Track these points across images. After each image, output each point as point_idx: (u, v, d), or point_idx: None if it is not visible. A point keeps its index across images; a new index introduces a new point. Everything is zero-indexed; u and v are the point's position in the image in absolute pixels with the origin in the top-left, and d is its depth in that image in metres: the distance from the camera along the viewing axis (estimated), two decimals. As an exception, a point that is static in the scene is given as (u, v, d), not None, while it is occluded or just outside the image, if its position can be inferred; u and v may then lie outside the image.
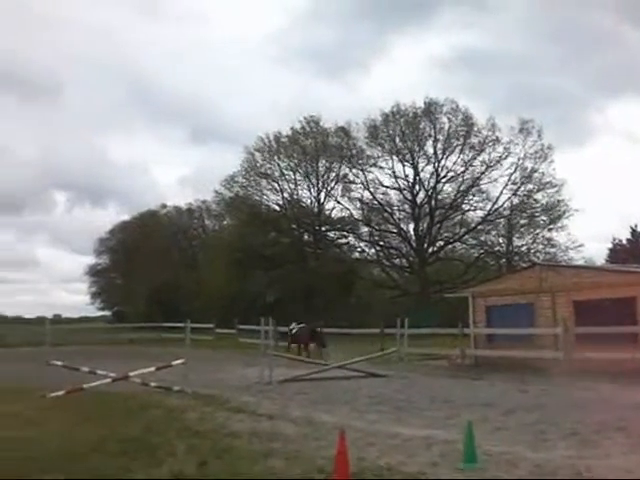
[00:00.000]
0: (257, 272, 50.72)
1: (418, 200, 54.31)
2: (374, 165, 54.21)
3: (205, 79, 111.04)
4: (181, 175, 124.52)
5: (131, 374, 15.60)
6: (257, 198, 56.34)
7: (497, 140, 52.09)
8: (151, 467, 7.93)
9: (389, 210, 55.19)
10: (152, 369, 15.94)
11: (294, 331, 28.90)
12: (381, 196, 55.12)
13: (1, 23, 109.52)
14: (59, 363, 15.04)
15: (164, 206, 71.80)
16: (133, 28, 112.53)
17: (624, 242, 57.97)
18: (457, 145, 52.86)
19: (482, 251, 55.01)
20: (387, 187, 54.87)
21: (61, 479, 7.27)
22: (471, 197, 54.17)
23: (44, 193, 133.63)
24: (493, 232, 54.69)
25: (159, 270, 61.16)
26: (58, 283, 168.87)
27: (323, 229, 56.67)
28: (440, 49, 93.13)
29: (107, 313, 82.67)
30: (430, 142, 53.24)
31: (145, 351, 30.68)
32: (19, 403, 13.14)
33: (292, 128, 54.68)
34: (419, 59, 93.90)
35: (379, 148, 53.85)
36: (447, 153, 53.17)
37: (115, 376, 15.55)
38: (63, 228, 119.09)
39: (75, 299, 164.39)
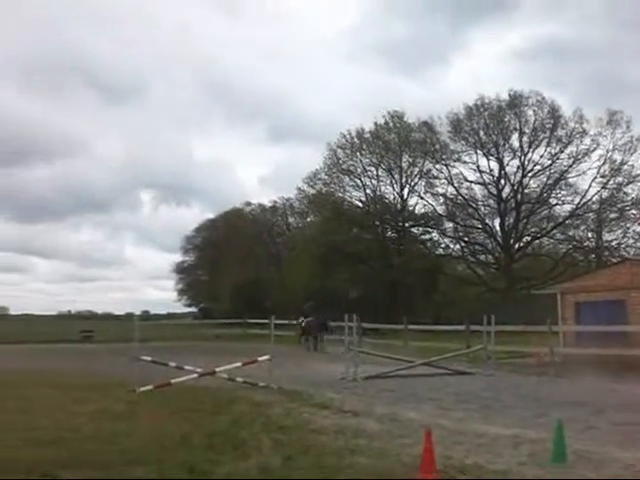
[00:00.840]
0: (340, 269, 50.85)
1: (503, 195, 53.35)
2: (458, 160, 53.62)
3: (283, 77, 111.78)
4: (262, 173, 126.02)
5: (218, 369, 15.82)
6: (340, 195, 56.41)
7: (584, 132, 50.67)
8: (238, 460, 8.02)
9: (474, 205, 54.45)
10: (238, 364, 16.14)
11: (303, 324, 31.69)
12: (465, 191, 54.52)
13: (84, 25, 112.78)
14: (148, 359, 15.35)
15: (248, 204, 72.69)
16: (213, 27, 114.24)
17: None
18: (543, 138, 51.70)
19: (570, 246, 53.62)
20: (471, 182, 54.24)
21: (153, 472, 7.42)
22: (558, 191, 52.85)
23: (131, 192, 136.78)
24: (582, 227, 53.20)
25: (244, 267, 61.96)
26: (146, 280, 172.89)
27: (406, 225, 56.32)
28: (520, 40, 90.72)
29: (194, 309, 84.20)
30: (515, 135, 52.27)
31: (230, 347, 31.12)
32: (109, 398, 13.49)
33: (375, 123, 54.55)
34: (499, 51, 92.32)
35: (463, 142, 53.21)
36: (533, 146, 52.08)
37: (202, 371, 15.80)
38: (149, 226, 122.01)
39: (162, 296, 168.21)
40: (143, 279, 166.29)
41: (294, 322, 33.91)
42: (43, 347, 33.64)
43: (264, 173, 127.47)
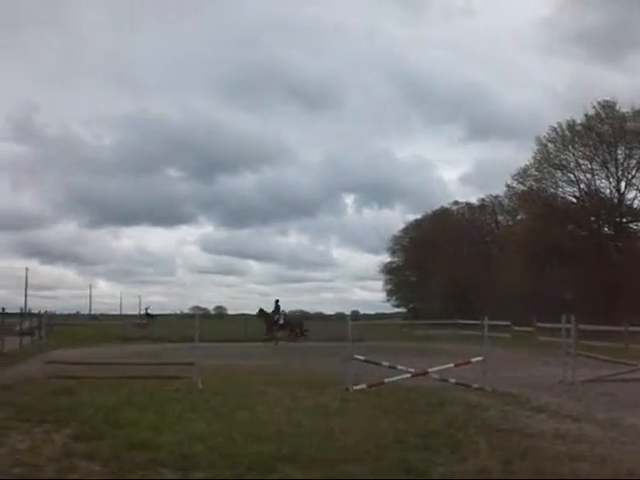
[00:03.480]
0: (553, 267, 49.12)
1: None
2: (679, 150, 50.01)
3: (478, 73, 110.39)
4: (463, 171, 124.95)
5: (430, 370, 15.79)
6: (552, 190, 54.41)
7: None
8: (454, 462, 7.95)
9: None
10: (451, 365, 16.01)
11: (280, 322, 37.37)
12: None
13: (280, 39, 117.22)
14: (361, 358, 15.60)
15: (456, 203, 72.12)
16: (402, 27, 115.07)
17: None
18: None
19: None
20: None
21: (370, 470, 7.52)
22: None
23: (334, 196, 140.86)
24: None
25: (452, 267, 61.49)
26: (353, 281, 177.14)
27: (624, 221, 53.33)
28: None
29: (402, 310, 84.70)
30: None
31: (441, 347, 30.94)
32: (325, 395, 13.84)
33: (586, 115, 52.12)
34: None
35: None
36: None
37: (414, 371, 15.82)
38: (353, 229, 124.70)
39: (370, 296, 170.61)
40: (350, 280, 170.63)
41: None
42: (258, 345, 35.17)
43: (465, 171, 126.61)
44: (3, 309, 29.20)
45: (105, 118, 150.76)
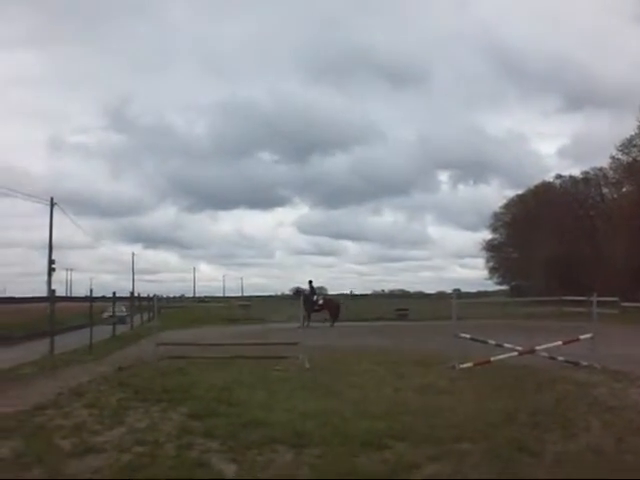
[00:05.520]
0: (663, 241, 47.45)
1: None
2: None
3: (571, 43, 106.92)
4: (560, 144, 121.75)
5: (537, 348, 15.60)
6: (659, 161, 52.47)
7: None
8: (566, 440, 7.90)
9: None
10: (559, 343, 15.77)
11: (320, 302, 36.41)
12: None
13: (365, 17, 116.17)
14: (467, 336, 15.55)
15: (559, 176, 70.41)
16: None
17: None
18: None
19: None
20: None
21: (481, 448, 7.54)
22: None
23: (427, 174, 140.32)
24: None
25: (556, 242, 60.16)
26: (452, 259, 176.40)
27: None
28: None
29: (505, 287, 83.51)
30: None
31: (545, 325, 30.47)
32: (432, 374, 13.88)
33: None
34: None
35: None
36: None
37: (521, 349, 15.66)
38: (449, 206, 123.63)
39: (470, 274, 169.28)
40: (449, 258, 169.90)
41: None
42: (363, 325, 35.36)
43: (562, 144, 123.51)
44: (114, 293, 30.32)
45: (197, 105, 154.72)
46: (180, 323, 35.58)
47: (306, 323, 34.25)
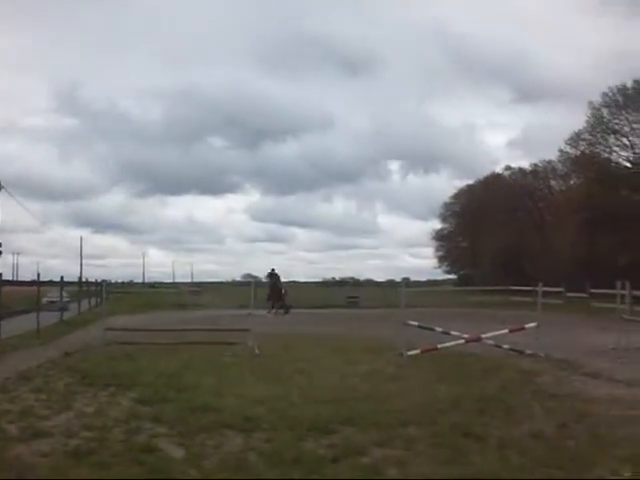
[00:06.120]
0: (607, 233, 48.37)
1: None
2: None
3: (522, 36, 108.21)
4: (510, 136, 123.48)
5: (483, 336, 15.86)
6: (605, 155, 53.44)
7: None
8: (509, 426, 8.08)
9: None
10: (504, 331, 16.05)
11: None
12: None
13: (316, 2, 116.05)
14: (415, 323, 15.73)
15: (508, 168, 71.28)
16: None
17: None
18: None
19: None
20: None
21: (427, 433, 7.68)
22: None
23: (378, 162, 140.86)
24: None
25: (505, 233, 61.02)
26: (401, 248, 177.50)
27: (682, 184, 52.21)
28: None
29: (453, 276, 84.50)
30: None
31: (492, 314, 30.85)
32: (380, 361, 14.05)
33: (636, 81, 50.87)
34: None
35: None
36: None
37: (468, 337, 15.91)
38: (399, 195, 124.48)
39: (419, 263, 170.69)
40: (399, 246, 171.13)
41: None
42: (313, 312, 35.48)
43: (512, 136, 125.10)
44: (62, 278, 29.95)
45: (150, 91, 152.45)
46: (129, 308, 35.24)
47: (274, 310, 34.44)
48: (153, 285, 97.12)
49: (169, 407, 9.11)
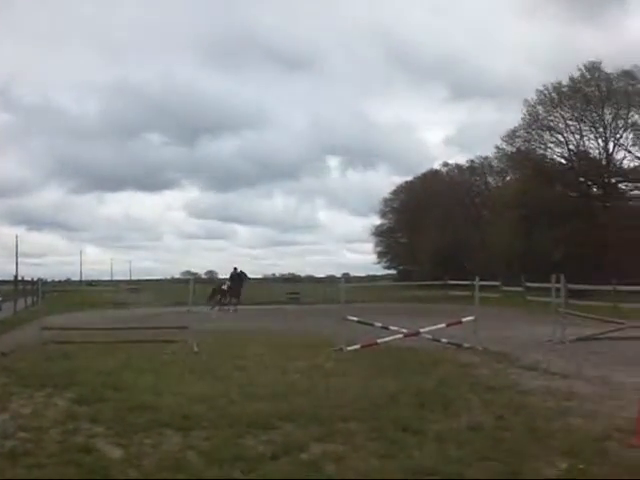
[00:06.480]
0: (543, 228, 49.31)
1: None
2: (666, 110, 49.89)
3: (459, 35, 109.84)
4: (446, 133, 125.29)
5: (422, 330, 16.02)
6: (541, 152, 54.39)
7: None
8: (448, 419, 8.18)
9: (686, 158, 50.65)
10: (442, 325, 16.25)
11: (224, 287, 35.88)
12: (677, 143, 50.70)
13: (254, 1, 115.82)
14: (354, 319, 15.81)
15: (446, 164, 72.13)
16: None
17: None
18: None
19: None
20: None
21: (367, 428, 7.72)
22: None
23: (318, 159, 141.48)
24: None
25: (443, 228, 61.71)
26: (342, 243, 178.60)
27: (613, 181, 53.43)
28: None
29: (393, 272, 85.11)
30: None
31: (432, 308, 31.21)
32: (320, 356, 14.06)
33: (571, 78, 51.96)
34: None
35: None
36: None
37: (407, 332, 16.05)
38: (339, 191, 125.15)
39: (360, 258, 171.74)
40: (339, 242, 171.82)
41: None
42: (253, 308, 35.39)
43: (448, 133, 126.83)
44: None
45: (87, 86, 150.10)
46: (66, 307, 34.61)
47: (234, 308, 34.24)
48: (91, 283, 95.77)
49: (107, 407, 8.98)
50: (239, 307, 34.65)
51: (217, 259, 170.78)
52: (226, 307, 34.77)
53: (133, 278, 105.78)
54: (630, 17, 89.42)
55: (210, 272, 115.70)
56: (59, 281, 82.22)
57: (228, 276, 37.18)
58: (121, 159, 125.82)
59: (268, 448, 6.90)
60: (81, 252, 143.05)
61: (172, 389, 10.16)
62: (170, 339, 16.11)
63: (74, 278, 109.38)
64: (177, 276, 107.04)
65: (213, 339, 17.19)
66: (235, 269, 36.94)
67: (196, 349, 15.02)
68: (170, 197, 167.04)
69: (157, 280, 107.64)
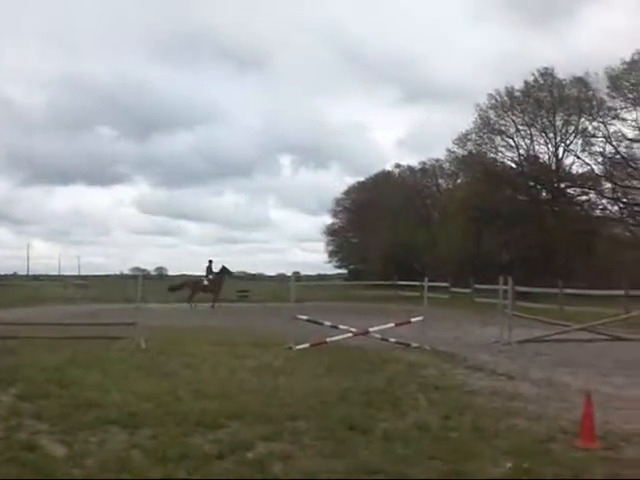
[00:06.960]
0: (492, 231, 49.95)
1: (667, 153, 50.26)
2: (616, 117, 50.89)
3: (413, 38, 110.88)
4: (399, 134, 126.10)
5: (371, 329, 16.11)
6: (492, 155, 55.05)
7: None
8: (396, 418, 8.24)
9: (633, 165, 51.69)
10: (391, 325, 16.37)
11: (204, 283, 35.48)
12: (624, 150, 51.68)
13: None
14: (304, 317, 15.83)
15: (398, 165, 72.56)
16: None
17: None
18: None
19: None
20: (631, 140, 51.39)
21: (315, 427, 7.74)
22: None
23: (270, 157, 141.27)
24: None
25: (394, 229, 62.08)
26: (293, 242, 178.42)
27: (562, 186, 54.31)
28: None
29: (343, 271, 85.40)
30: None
31: (382, 308, 31.42)
32: (269, 355, 14.04)
33: (525, 82, 52.69)
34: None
35: (621, 99, 50.44)
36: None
37: (356, 331, 16.13)
38: (290, 190, 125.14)
39: (311, 257, 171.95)
40: (290, 241, 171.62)
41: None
42: (203, 306, 35.17)
43: (400, 135, 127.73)
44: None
45: (36, 77, 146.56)
46: (12, 302, 33.99)
47: (211, 304, 33.85)
48: (37, 278, 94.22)
49: (51, 403, 8.84)
50: (178, 305, 34.27)
51: (167, 256, 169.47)
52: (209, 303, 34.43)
53: (82, 273, 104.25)
54: (578, 25, 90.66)
55: (160, 268, 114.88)
56: (5, 275, 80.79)
57: (204, 270, 36.56)
58: (71, 152, 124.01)
59: (214, 447, 6.85)
60: (28, 246, 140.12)
61: (119, 386, 10.04)
62: (117, 336, 15.94)
63: (21, 272, 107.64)
64: (126, 272, 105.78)
65: (161, 336, 17.03)
66: (210, 262, 36.58)
67: (144, 346, 14.88)
68: (120, 192, 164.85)
69: (106, 276, 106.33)
